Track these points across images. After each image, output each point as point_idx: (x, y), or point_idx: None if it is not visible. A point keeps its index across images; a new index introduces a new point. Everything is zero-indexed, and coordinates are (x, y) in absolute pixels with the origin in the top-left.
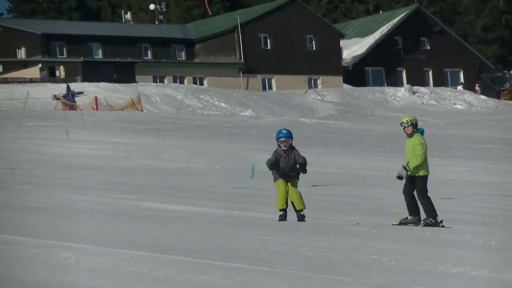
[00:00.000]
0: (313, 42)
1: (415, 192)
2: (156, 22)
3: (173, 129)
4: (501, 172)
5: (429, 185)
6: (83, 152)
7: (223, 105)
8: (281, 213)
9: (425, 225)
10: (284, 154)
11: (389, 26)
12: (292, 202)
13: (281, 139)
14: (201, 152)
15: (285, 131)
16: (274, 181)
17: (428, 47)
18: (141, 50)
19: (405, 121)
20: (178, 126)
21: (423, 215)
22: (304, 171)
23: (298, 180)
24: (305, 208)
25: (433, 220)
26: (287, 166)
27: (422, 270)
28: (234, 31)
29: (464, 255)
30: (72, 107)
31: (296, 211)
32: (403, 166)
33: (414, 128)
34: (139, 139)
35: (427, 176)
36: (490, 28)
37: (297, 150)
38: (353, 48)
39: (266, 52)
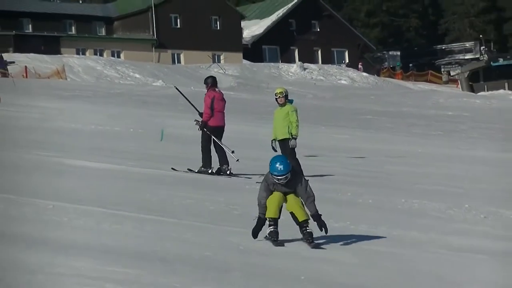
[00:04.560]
0: (218, 22)
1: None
2: (80, 1)
3: (93, 95)
4: (380, 140)
5: (315, 150)
6: (13, 114)
7: (137, 76)
8: (271, 228)
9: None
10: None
11: (284, 10)
12: (292, 213)
13: (276, 176)
14: (118, 116)
15: (281, 167)
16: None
17: (318, 29)
18: (66, 25)
19: (279, 92)
20: (97, 93)
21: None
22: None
23: None
24: (309, 219)
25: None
26: (288, 190)
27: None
28: (148, 11)
29: (345, 212)
30: (5, 75)
31: (300, 223)
32: (291, 138)
33: (286, 99)
34: (63, 104)
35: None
36: (373, 13)
37: (302, 179)
38: (252, 29)
39: (176, 30)
